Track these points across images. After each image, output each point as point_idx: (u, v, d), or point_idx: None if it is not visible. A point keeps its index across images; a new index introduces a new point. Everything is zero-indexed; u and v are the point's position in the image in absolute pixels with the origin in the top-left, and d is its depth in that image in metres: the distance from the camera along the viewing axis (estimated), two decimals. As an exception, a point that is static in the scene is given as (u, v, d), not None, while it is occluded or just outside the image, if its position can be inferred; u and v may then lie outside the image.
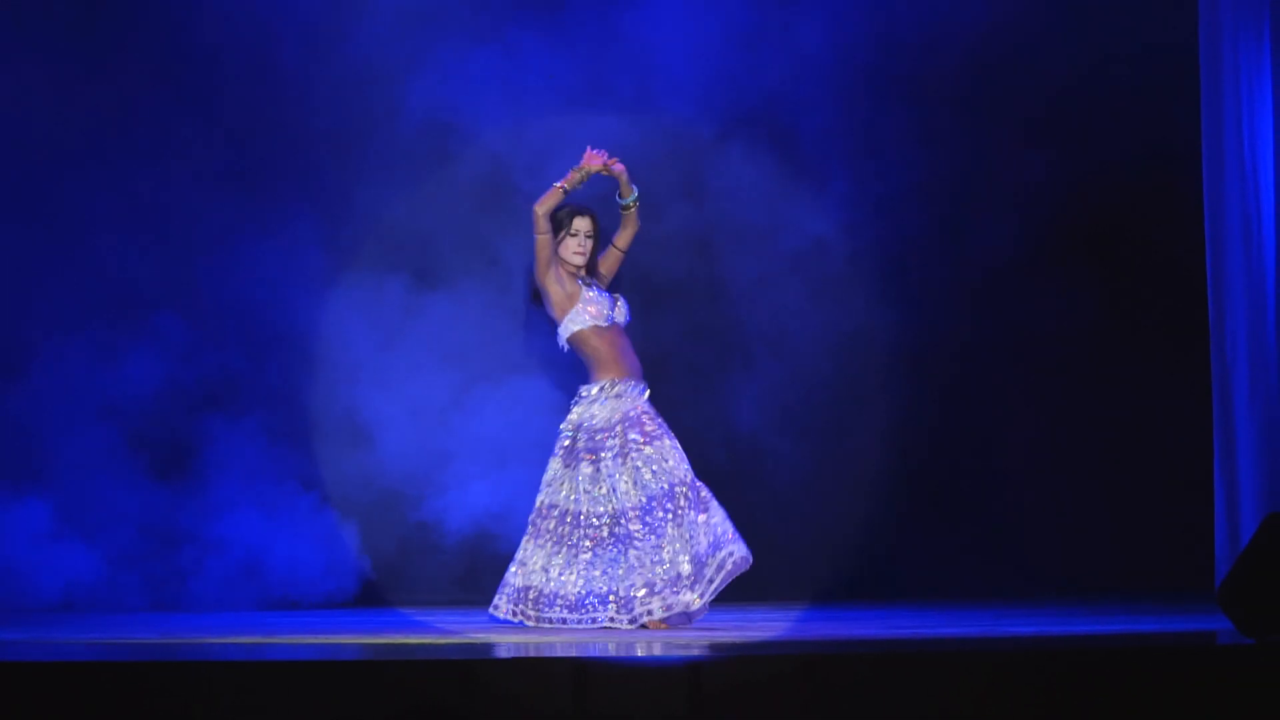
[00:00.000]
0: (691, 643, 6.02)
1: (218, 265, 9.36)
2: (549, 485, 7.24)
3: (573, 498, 7.18)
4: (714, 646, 5.78)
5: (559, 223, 7.28)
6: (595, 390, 7.25)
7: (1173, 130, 8.99)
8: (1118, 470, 9.38)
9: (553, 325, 7.35)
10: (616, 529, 7.10)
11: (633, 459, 7.14)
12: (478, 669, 5.02)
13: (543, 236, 7.22)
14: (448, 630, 7.14)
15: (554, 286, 7.25)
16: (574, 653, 5.50)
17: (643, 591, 6.99)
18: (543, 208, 7.20)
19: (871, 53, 9.41)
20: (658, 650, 5.64)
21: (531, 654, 5.37)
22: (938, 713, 4.92)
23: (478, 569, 9.30)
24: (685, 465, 7.17)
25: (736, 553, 7.08)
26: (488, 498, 9.28)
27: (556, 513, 7.19)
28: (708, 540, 7.07)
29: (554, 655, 5.32)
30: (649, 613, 6.97)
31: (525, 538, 7.24)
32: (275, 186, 9.34)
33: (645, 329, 8.18)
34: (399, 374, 9.39)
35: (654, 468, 7.14)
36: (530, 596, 7.12)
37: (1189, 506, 8.74)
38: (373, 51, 9.35)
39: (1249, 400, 7.98)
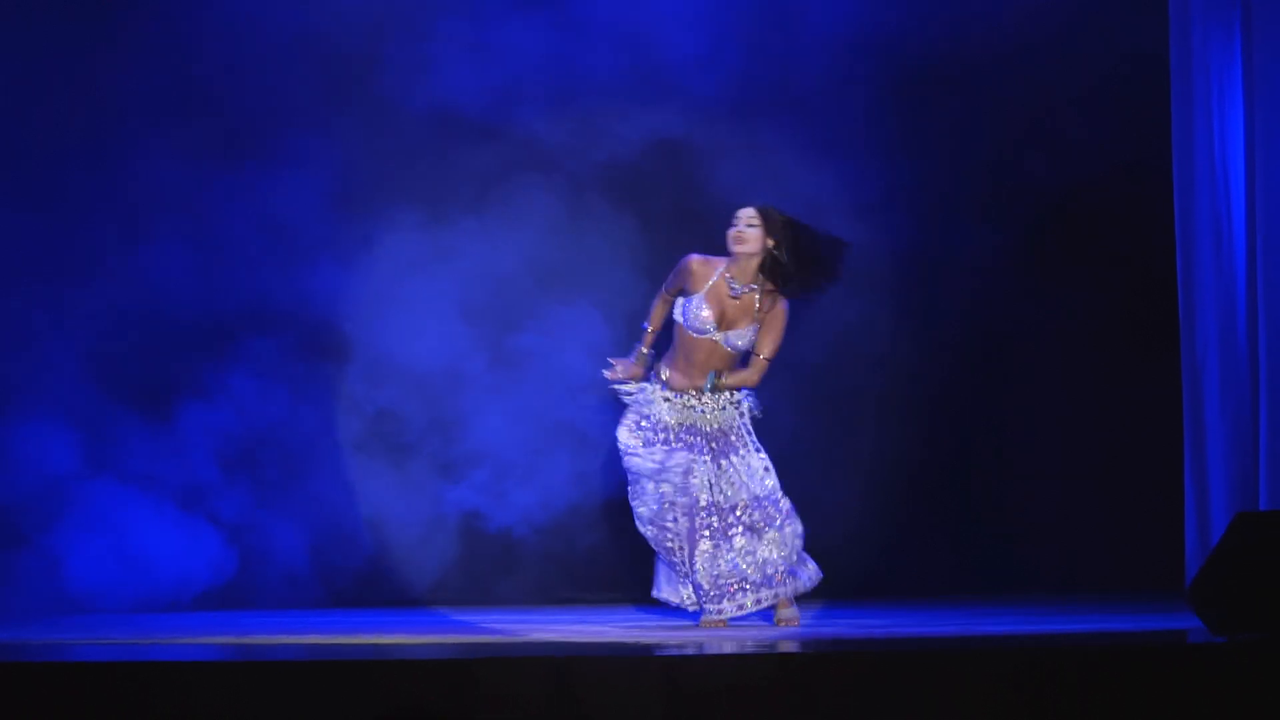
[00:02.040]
0: (666, 641, 6.03)
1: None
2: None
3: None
4: (693, 645, 5.79)
5: None
6: None
7: (1144, 131, 9.00)
8: (1089, 470, 9.40)
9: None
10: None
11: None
12: (458, 669, 5.02)
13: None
14: (432, 629, 7.14)
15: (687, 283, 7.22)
16: (553, 651, 5.51)
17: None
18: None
19: (846, 62, 9.43)
20: (638, 647, 5.65)
21: (512, 654, 5.37)
22: (907, 710, 4.94)
23: (465, 565, 9.35)
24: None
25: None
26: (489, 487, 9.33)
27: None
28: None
29: (533, 655, 5.33)
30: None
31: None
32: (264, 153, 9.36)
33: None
34: (412, 357, 9.41)
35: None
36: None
37: (1160, 506, 8.77)
38: (368, 29, 9.37)
39: (1220, 400, 8.00)
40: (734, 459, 7.10)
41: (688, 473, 7.05)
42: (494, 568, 9.43)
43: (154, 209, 9.28)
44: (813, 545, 7.24)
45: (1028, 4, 9.30)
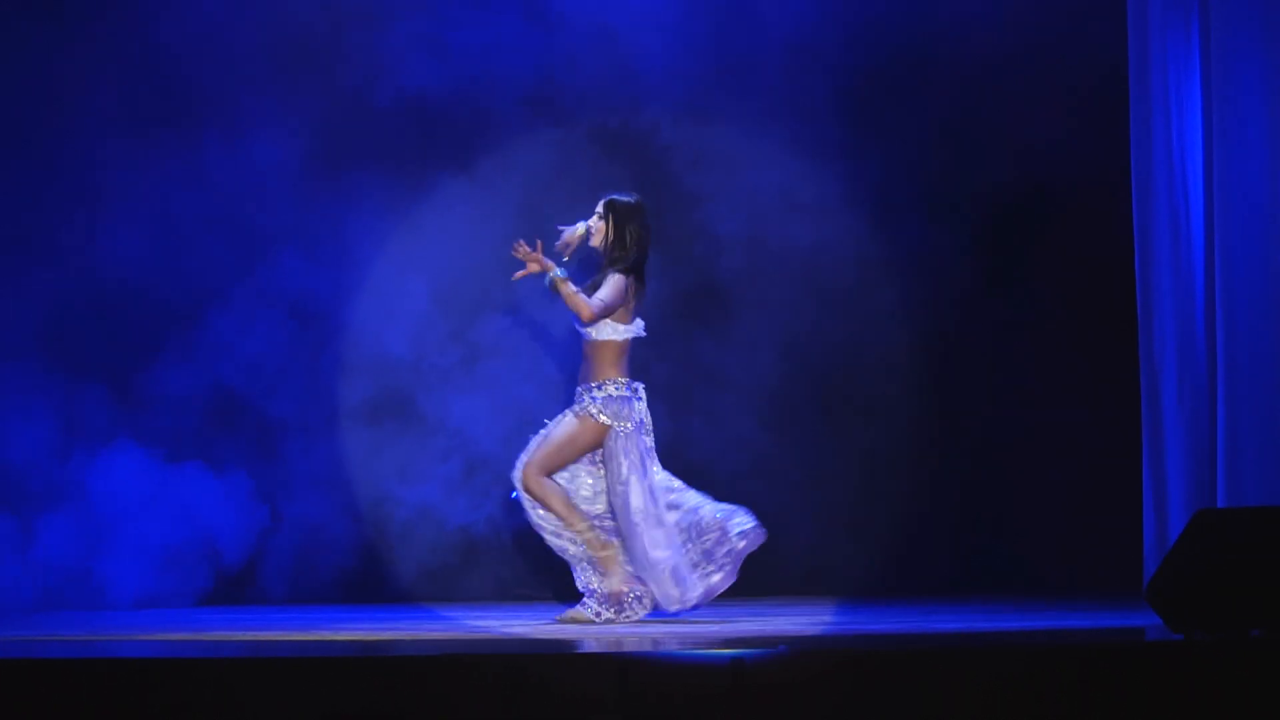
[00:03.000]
0: (623, 639, 6.00)
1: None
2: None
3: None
4: (654, 642, 5.77)
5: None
6: None
7: (1102, 132, 9.01)
8: (1047, 469, 9.41)
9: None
10: None
11: None
12: (411, 667, 4.99)
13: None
14: (396, 627, 7.09)
15: None
16: (506, 650, 5.48)
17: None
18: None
19: (808, 62, 9.42)
20: (602, 645, 5.61)
21: (463, 651, 5.34)
22: (868, 710, 4.92)
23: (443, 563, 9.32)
24: None
25: None
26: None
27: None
28: None
29: (486, 653, 5.29)
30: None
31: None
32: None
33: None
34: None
35: None
36: None
37: (1118, 504, 8.77)
38: (335, 10, 9.34)
39: (1177, 399, 8.00)
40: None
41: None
42: (462, 564, 9.39)
43: (115, 189, 9.21)
44: (769, 544, 7.22)
45: (989, 7, 9.30)
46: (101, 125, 9.24)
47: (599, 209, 7.29)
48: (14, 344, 9.08)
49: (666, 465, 7.39)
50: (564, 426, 7.22)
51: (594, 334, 7.20)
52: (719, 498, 7.32)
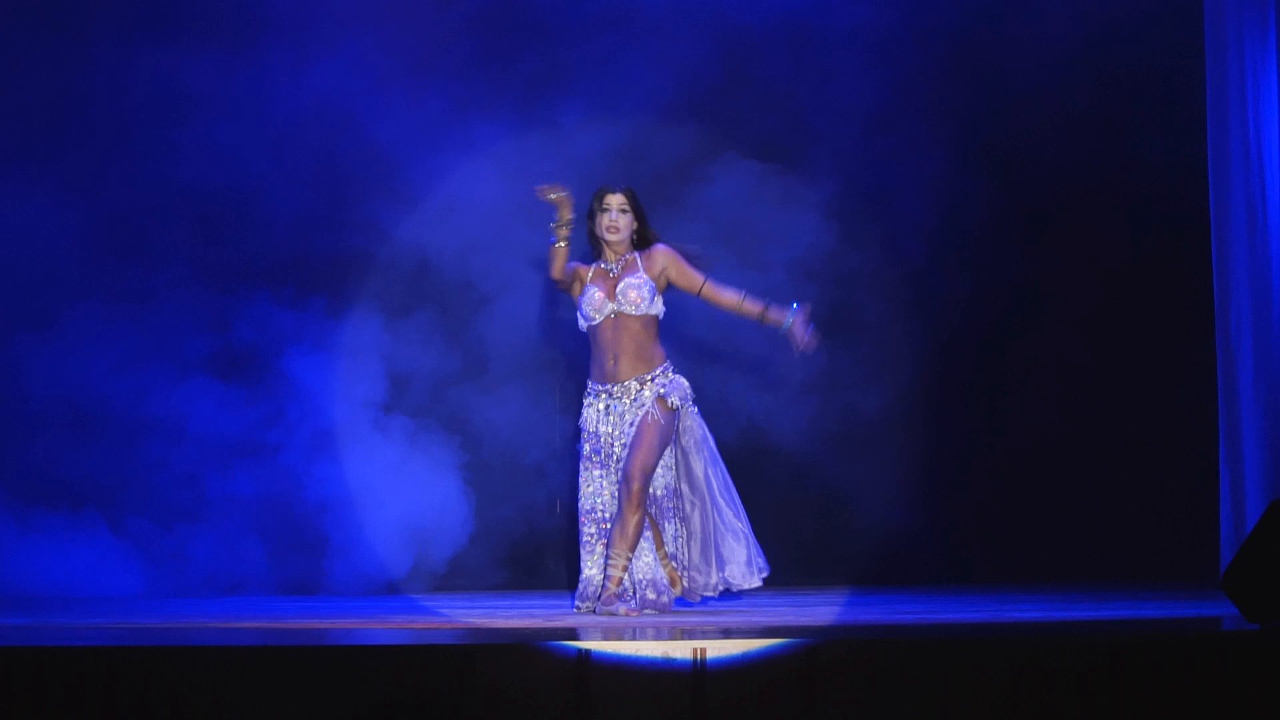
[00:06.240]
0: (697, 628, 6.01)
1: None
2: None
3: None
4: (721, 631, 5.78)
5: (591, 208, 7.17)
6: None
7: (1178, 115, 8.96)
8: (1124, 458, 9.37)
9: None
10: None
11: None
12: (476, 655, 5.01)
13: (557, 280, 7.16)
14: (448, 617, 7.12)
15: (575, 289, 7.18)
16: (574, 639, 5.50)
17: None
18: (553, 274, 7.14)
19: (879, 55, 9.42)
20: (662, 635, 5.63)
21: (531, 641, 5.36)
22: (947, 698, 4.92)
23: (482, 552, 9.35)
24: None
25: None
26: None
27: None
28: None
29: (553, 643, 5.31)
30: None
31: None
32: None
33: (677, 335, 8.12)
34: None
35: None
36: None
37: (1195, 493, 8.73)
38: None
39: (1253, 386, 7.96)
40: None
41: None
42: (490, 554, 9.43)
43: (175, 121, 9.24)
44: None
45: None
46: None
47: (621, 202, 7.07)
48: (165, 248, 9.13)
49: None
50: (649, 426, 7.04)
51: (652, 310, 7.11)
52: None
